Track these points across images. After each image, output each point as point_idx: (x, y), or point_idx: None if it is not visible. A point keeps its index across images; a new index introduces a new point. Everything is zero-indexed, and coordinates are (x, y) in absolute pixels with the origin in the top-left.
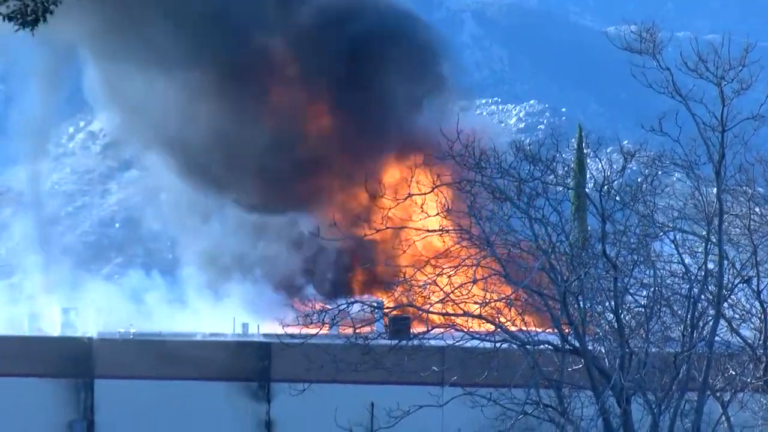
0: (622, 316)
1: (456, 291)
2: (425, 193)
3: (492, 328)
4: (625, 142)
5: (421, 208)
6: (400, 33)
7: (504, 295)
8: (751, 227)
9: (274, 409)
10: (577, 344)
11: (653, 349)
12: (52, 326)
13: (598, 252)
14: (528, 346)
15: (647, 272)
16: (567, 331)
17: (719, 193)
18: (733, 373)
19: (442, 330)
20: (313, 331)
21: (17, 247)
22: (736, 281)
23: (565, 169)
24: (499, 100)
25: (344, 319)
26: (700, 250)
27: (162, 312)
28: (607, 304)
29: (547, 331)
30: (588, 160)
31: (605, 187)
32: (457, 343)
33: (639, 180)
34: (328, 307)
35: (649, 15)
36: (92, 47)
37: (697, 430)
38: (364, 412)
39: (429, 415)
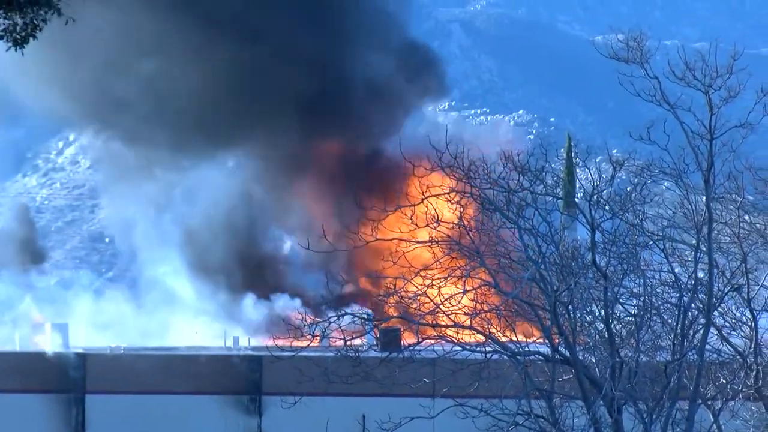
0: (612, 325)
1: (446, 302)
2: (414, 204)
3: (482, 338)
4: (614, 151)
5: (411, 219)
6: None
7: (494, 306)
8: (741, 235)
9: (265, 422)
10: (568, 354)
11: (644, 359)
12: (43, 342)
13: (588, 262)
14: (518, 357)
15: (637, 281)
16: (557, 341)
17: (708, 201)
18: (724, 381)
19: (432, 341)
20: (303, 343)
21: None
22: (726, 289)
23: (555, 178)
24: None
25: (334, 331)
26: (689, 259)
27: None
28: (597, 313)
29: (538, 341)
30: (577, 170)
31: (594, 197)
32: (447, 355)
33: (628, 189)
34: (318, 319)
35: (636, 23)
36: None
37: None
38: (355, 424)
39: (420, 427)
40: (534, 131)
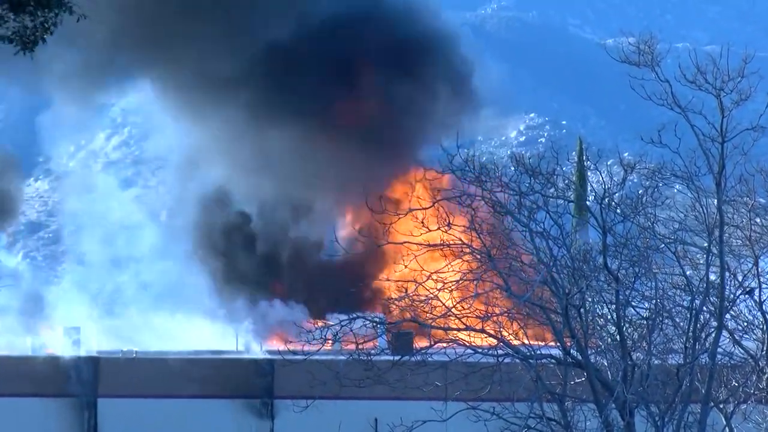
0: (624, 328)
1: (458, 305)
2: (426, 208)
3: (494, 342)
4: (626, 154)
5: (422, 222)
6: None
7: (506, 309)
8: (753, 238)
9: (277, 426)
10: (580, 357)
11: (656, 362)
12: (56, 346)
13: (600, 265)
14: (530, 360)
15: (649, 284)
16: (569, 344)
17: (720, 204)
18: (736, 384)
19: (444, 345)
20: (315, 347)
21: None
22: (738, 292)
23: (566, 182)
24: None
25: (346, 335)
26: (701, 262)
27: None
28: (609, 316)
29: (550, 344)
30: (588, 173)
31: (606, 200)
32: (459, 358)
33: (639, 192)
34: (331, 323)
35: (647, 27)
36: None
37: None
38: (367, 428)
39: (432, 430)
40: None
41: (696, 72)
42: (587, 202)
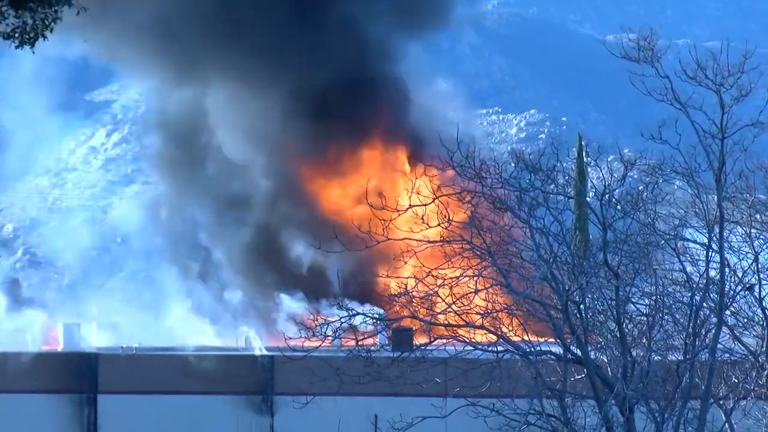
0: (624, 324)
1: (458, 302)
2: (426, 204)
3: (494, 338)
4: (626, 150)
5: (422, 219)
6: None
7: (506, 306)
8: (752, 234)
9: (277, 422)
10: (580, 354)
11: (656, 358)
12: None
13: (600, 261)
14: (530, 357)
15: (649, 281)
16: (569, 340)
17: (720, 200)
18: (736, 380)
19: (444, 341)
20: (315, 343)
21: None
22: (738, 289)
23: (566, 178)
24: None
25: (346, 332)
26: (701, 258)
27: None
28: (609, 313)
29: (550, 340)
30: (589, 169)
31: (606, 196)
32: (459, 354)
33: (639, 188)
34: (330, 319)
35: (647, 23)
36: None
37: None
38: (367, 424)
39: (432, 427)
40: (545, 130)
41: (696, 68)
42: (587, 199)
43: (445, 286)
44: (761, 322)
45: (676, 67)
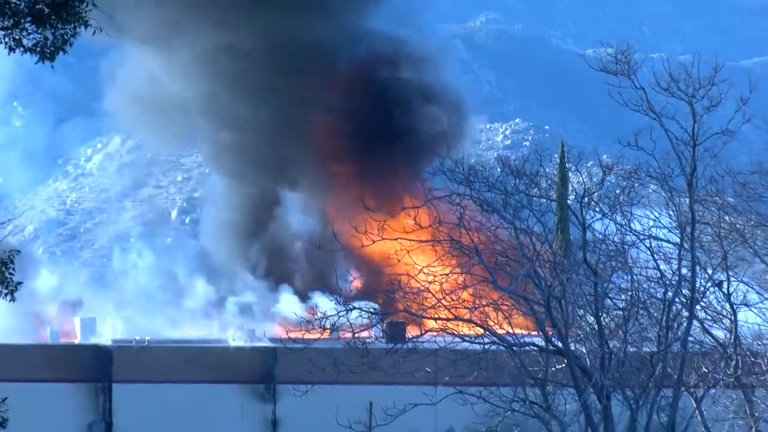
0: (601, 318)
1: (447, 297)
2: (418, 207)
3: (481, 331)
4: (604, 156)
5: (414, 220)
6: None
7: (492, 300)
8: (722, 234)
9: (279, 409)
10: (561, 345)
11: (631, 349)
12: (73, 335)
13: (579, 259)
14: (515, 348)
15: (625, 277)
16: (551, 333)
17: (691, 203)
18: (706, 370)
19: (434, 333)
20: (315, 336)
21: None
22: (708, 285)
23: (548, 182)
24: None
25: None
26: (674, 257)
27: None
28: (587, 307)
29: (532, 333)
30: (569, 174)
31: (585, 199)
32: (448, 346)
33: (617, 192)
34: (329, 313)
35: (624, 38)
36: None
37: (673, 425)
38: (362, 411)
39: (423, 413)
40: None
41: (670, 80)
42: (568, 201)
43: (436, 283)
44: (729, 316)
45: (651, 80)
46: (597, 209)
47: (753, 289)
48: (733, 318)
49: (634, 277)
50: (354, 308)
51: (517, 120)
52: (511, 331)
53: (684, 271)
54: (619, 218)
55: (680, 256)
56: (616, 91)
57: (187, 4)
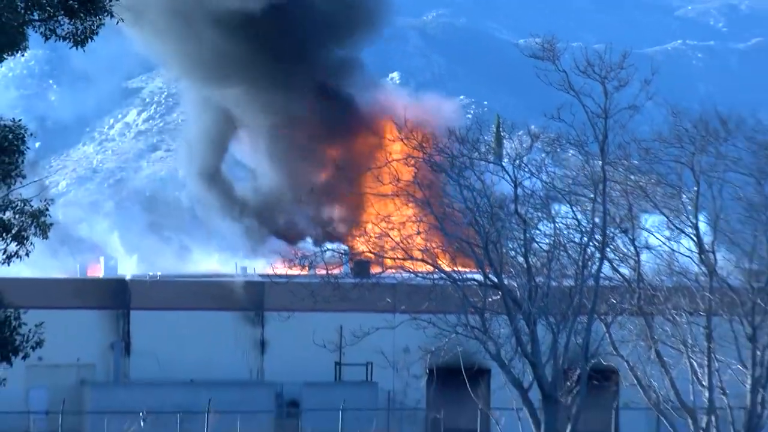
0: (529, 258)
1: (404, 241)
2: (380, 167)
3: (431, 268)
4: (532, 126)
5: (377, 178)
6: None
7: (440, 244)
8: (628, 190)
9: (266, 332)
10: (496, 280)
11: (553, 284)
12: (98, 271)
13: (512, 211)
14: (458, 282)
15: (549, 225)
16: (488, 270)
17: (603, 165)
18: (614, 301)
19: (393, 270)
20: (295, 272)
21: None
22: (616, 232)
23: (486, 147)
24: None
25: (320, 262)
26: (589, 209)
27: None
28: (518, 250)
29: (473, 270)
30: (504, 141)
31: (517, 161)
32: (405, 281)
33: (542, 155)
34: (308, 253)
35: (550, 29)
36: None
37: (587, 345)
38: (334, 333)
39: (384, 336)
40: (472, 112)
41: (586, 65)
42: (503, 163)
43: (395, 229)
44: (633, 257)
45: (571, 64)
46: (526, 170)
47: (653, 235)
48: (636, 258)
49: (556, 226)
50: (328, 250)
51: (462, 97)
52: (455, 269)
53: (597, 220)
54: (544, 177)
55: (594, 209)
56: (543, 74)
57: None
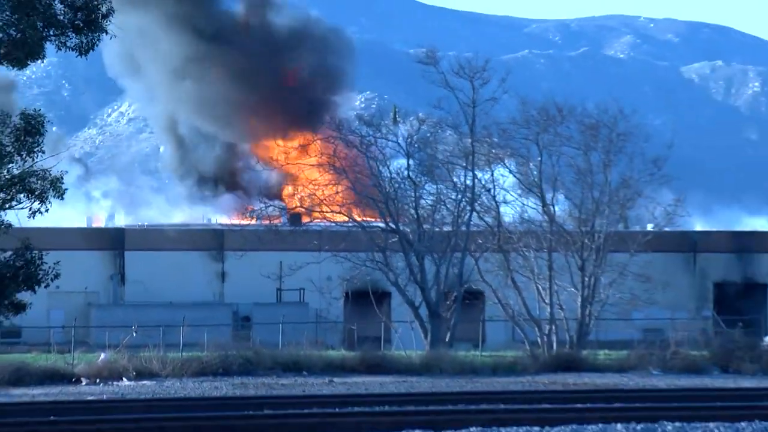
0: (419, 210)
1: (327, 198)
2: (308, 143)
3: (347, 219)
4: (420, 114)
5: (306, 152)
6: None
7: (353, 201)
8: (490, 160)
9: (226, 266)
10: (394, 227)
11: (436, 229)
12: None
13: (405, 176)
14: (367, 229)
15: (433, 187)
16: (389, 220)
17: (472, 141)
18: (481, 241)
19: (319, 220)
20: (247, 222)
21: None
22: (482, 190)
23: (387, 129)
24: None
25: (265, 215)
26: (462, 174)
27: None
28: (411, 203)
29: (378, 220)
30: (400, 124)
31: (409, 139)
32: (327, 228)
33: (428, 135)
34: (256, 207)
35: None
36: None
37: (461, 274)
38: (276, 266)
39: (312, 269)
40: (376, 103)
41: (459, 68)
42: (398, 141)
43: (321, 189)
44: (494, 209)
45: (448, 67)
46: (416, 145)
47: (509, 193)
48: (497, 210)
49: (438, 187)
50: (270, 205)
51: (368, 92)
52: (364, 219)
53: (468, 182)
54: (429, 151)
55: (465, 174)
56: (427, 74)
57: None
